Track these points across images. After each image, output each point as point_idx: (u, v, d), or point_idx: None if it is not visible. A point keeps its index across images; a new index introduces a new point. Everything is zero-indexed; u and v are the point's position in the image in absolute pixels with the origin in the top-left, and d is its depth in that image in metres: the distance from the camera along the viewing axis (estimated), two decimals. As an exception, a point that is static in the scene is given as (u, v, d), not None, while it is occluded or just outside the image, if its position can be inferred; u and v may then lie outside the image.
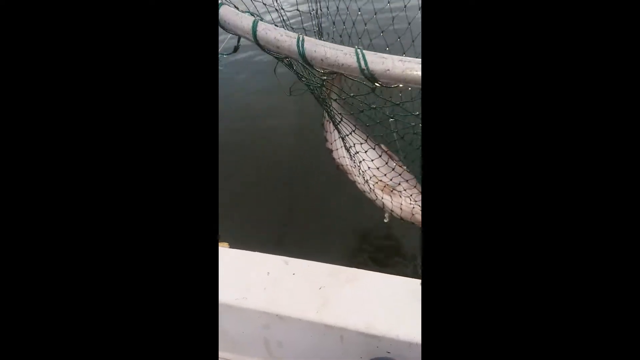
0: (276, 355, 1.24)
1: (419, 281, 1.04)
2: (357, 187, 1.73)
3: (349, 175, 1.75)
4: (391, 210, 1.46)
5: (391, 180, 1.46)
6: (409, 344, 0.99)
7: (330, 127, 1.66)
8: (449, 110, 0.44)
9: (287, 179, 2.61)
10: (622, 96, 0.40)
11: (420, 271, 1.18)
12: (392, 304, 1.05)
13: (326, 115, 1.68)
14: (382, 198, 1.41)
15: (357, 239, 2.17)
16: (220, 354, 1.27)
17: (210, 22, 0.50)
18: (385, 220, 1.55)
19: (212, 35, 0.50)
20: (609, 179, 0.41)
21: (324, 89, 1.10)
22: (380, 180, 1.39)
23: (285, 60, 0.82)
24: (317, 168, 2.44)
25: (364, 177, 1.42)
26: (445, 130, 0.44)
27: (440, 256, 0.44)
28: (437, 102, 0.44)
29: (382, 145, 1.59)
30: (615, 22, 0.40)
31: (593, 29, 0.41)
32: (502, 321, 0.43)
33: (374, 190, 1.44)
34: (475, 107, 0.43)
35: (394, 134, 1.14)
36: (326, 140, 1.80)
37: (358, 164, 1.39)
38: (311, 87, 1.08)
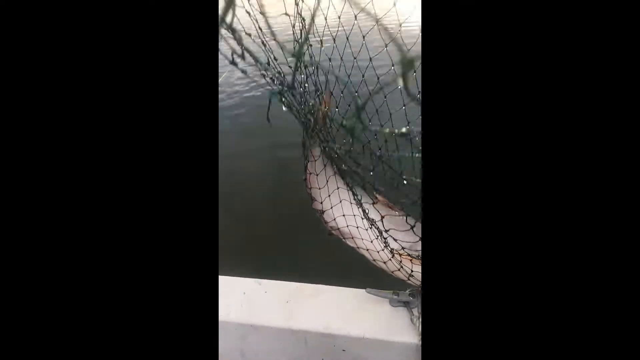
0: None
1: (363, 290, 1.31)
2: (359, 252, 1.34)
3: (349, 240, 1.35)
4: (421, 285, 1.06)
5: (408, 242, 1.09)
6: (359, 339, 1.22)
7: (318, 181, 1.29)
8: (450, 116, 0.44)
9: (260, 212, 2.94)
10: (616, 104, 0.40)
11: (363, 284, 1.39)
12: (343, 309, 1.30)
13: (310, 166, 1.31)
14: (412, 270, 1.01)
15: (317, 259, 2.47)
16: None
17: (211, 22, 0.50)
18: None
19: (212, 35, 0.50)
20: (606, 190, 0.41)
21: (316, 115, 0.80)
22: (404, 250, 1.01)
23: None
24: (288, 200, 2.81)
25: (384, 241, 1.03)
26: (445, 132, 0.44)
27: (439, 264, 0.45)
28: (439, 111, 0.44)
29: (379, 196, 1.25)
30: (613, 23, 0.40)
31: (591, 30, 0.40)
32: (500, 327, 0.44)
33: (399, 259, 1.04)
34: (477, 117, 0.43)
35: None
36: (313, 200, 1.42)
37: (375, 226, 1.01)
38: (302, 118, 0.77)
